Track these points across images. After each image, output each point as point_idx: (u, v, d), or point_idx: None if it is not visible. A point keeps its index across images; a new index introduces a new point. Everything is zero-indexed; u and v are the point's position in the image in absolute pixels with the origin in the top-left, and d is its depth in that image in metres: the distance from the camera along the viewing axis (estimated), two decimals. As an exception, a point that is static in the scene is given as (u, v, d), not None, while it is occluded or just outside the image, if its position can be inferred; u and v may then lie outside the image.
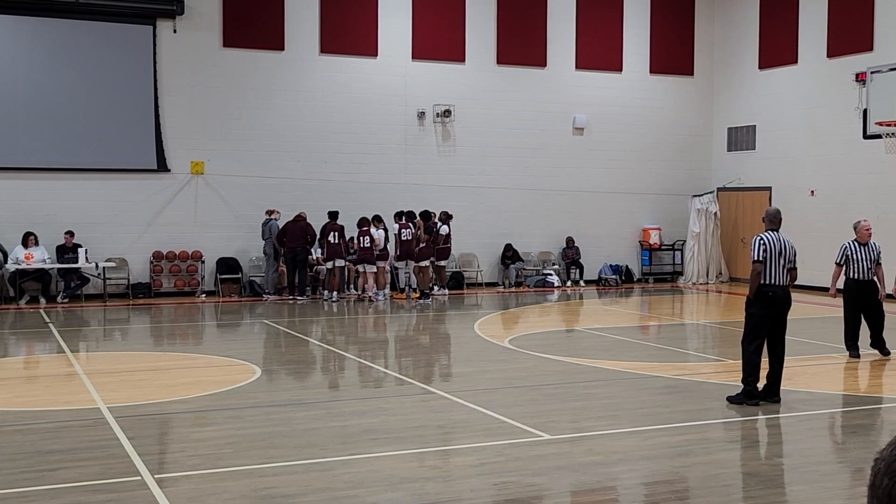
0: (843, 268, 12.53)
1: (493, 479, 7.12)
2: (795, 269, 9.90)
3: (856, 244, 12.41)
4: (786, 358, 9.92)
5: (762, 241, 9.71)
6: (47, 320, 16.79)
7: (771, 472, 7.39)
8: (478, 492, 6.87)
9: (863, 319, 12.53)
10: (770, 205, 23.34)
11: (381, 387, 11.33)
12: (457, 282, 22.55)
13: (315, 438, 8.32)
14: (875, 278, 12.40)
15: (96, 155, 20.18)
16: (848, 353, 12.49)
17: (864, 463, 7.59)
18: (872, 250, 12.35)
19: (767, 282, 9.64)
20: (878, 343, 12.53)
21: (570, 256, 23.93)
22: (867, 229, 12.44)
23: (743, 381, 9.72)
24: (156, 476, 7.11)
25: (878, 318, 12.47)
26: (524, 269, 23.50)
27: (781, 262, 9.69)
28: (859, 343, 12.52)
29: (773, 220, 9.95)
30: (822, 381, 11.08)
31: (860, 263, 12.31)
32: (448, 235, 21.08)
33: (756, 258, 9.70)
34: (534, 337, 15.16)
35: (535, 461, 7.61)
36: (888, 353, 12.42)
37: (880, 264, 12.40)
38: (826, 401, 9.97)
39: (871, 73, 16.26)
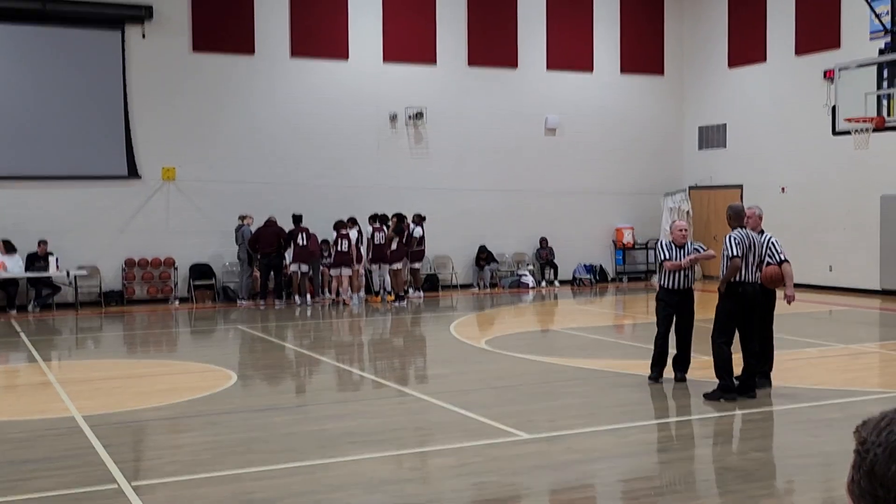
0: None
1: (473, 479, 7.11)
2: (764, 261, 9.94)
3: (671, 245, 10.57)
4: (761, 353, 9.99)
5: (734, 238, 9.75)
6: (18, 330, 16.61)
7: (749, 467, 7.43)
8: (457, 492, 6.86)
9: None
10: (742, 202, 23.50)
11: (359, 390, 11.30)
12: (431, 284, 22.54)
13: (293, 443, 8.28)
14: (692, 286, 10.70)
15: (66, 162, 19.99)
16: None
17: (839, 456, 7.66)
18: (689, 253, 10.53)
19: (739, 279, 9.69)
20: (680, 361, 10.67)
21: (545, 257, 23.99)
22: (680, 230, 10.67)
23: (717, 377, 9.77)
24: (133, 483, 7.05)
25: (686, 330, 10.60)
26: (499, 270, 23.53)
27: (752, 258, 9.75)
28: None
29: (739, 217, 9.94)
30: (798, 376, 11.15)
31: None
32: (422, 238, 21.07)
33: (734, 254, 9.64)
34: (510, 338, 15.17)
35: (514, 461, 7.61)
36: (683, 379, 10.59)
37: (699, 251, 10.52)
38: (801, 395, 10.04)
39: (840, 70, 16.38)
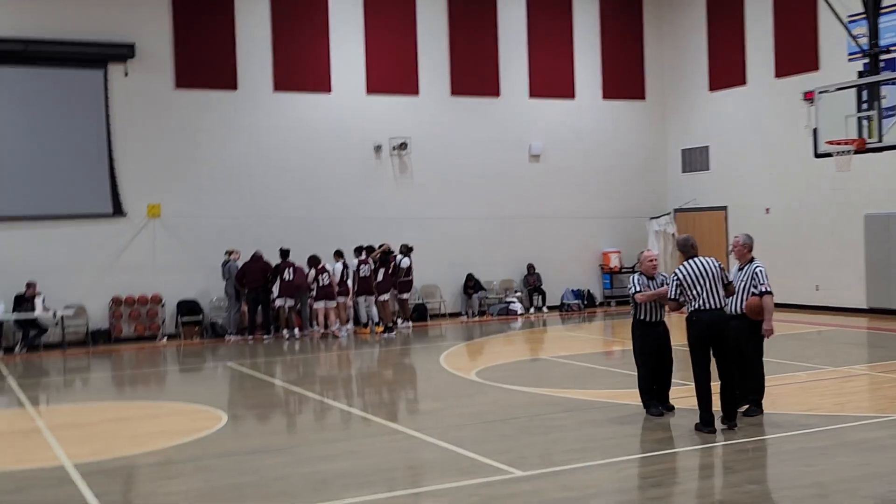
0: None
1: (468, 521, 7.07)
2: (731, 283, 9.91)
3: (642, 279, 10.46)
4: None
5: (675, 277, 9.72)
6: (5, 373, 16.48)
7: (744, 500, 7.41)
8: (453, 535, 6.82)
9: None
10: (727, 224, 23.63)
11: (350, 428, 11.24)
12: (420, 313, 22.51)
13: (285, 486, 8.22)
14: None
15: (51, 201, 19.94)
16: (645, 410, 10.60)
17: (834, 486, 7.65)
18: (659, 285, 10.41)
19: (697, 307, 9.67)
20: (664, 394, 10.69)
21: (532, 283, 24.01)
22: (650, 260, 10.56)
23: (699, 408, 9.73)
24: (125, 535, 6.98)
25: (669, 362, 10.64)
26: (487, 297, 23.53)
27: (707, 286, 9.65)
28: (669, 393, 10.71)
29: (686, 249, 9.95)
30: (789, 401, 11.16)
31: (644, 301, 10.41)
32: (409, 268, 21.05)
33: (670, 296, 9.77)
34: (500, 368, 15.14)
35: (508, 500, 7.57)
36: (672, 408, 10.67)
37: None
38: (793, 422, 10.02)
39: (819, 92, 16.50)
